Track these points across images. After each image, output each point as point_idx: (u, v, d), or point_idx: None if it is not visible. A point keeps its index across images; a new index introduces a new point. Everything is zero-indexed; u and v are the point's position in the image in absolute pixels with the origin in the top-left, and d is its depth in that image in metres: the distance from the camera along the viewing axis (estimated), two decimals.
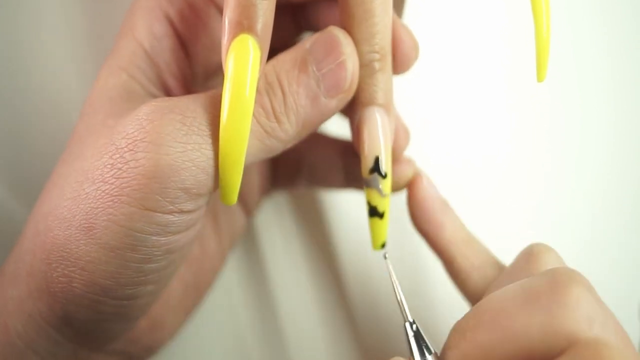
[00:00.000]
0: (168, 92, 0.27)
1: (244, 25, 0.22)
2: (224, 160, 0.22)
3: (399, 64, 0.27)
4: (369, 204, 0.27)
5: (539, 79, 0.26)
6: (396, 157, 0.28)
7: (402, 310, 0.24)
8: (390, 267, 0.26)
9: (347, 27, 0.25)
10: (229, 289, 0.33)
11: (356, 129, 0.26)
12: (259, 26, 0.22)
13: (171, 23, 0.26)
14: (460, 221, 0.29)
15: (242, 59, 0.22)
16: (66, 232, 0.23)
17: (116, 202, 0.22)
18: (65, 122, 0.28)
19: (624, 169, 0.37)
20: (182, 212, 0.22)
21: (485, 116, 0.37)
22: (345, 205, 0.35)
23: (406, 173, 0.29)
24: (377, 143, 0.26)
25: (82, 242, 0.22)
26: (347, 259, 0.34)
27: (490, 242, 0.35)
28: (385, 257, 0.26)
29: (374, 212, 0.27)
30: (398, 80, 0.34)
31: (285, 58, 0.25)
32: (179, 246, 0.23)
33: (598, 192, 0.37)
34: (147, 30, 0.26)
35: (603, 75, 0.38)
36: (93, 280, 0.23)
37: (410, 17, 0.31)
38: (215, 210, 0.30)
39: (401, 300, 0.25)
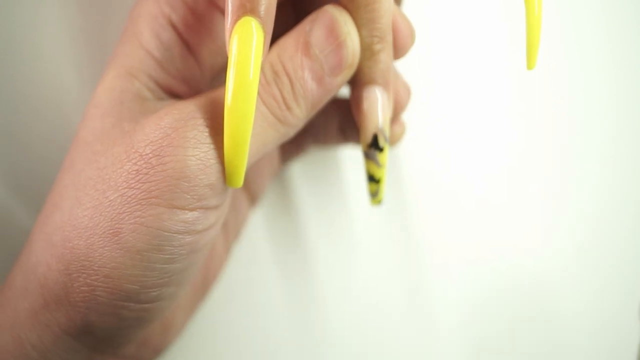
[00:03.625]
0: (178, 97, 0.27)
1: (246, 7, 0.22)
2: (229, 142, 0.22)
3: (395, 51, 0.28)
4: (367, 172, 0.28)
5: (529, 66, 0.26)
6: (396, 118, 0.29)
7: None
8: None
9: (347, 11, 0.25)
10: (231, 284, 0.33)
11: (356, 105, 0.27)
12: (262, 8, 0.22)
13: (176, 29, 0.26)
14: None
15: (246, 42, 0.22)
16: (88, 241, 0.22)
17: (144, 205, 0.22)
18: (66, 124, 0.28)
19: (625, 169, 0.39)
20: (207, 208, 0.23)
21: (483, 115, 0.37)
22: (340, 204, 0.35)
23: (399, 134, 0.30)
24: (376, 120, 0.27)
25: (106, 249, 0.22)
26: (352, 256, 0.34)
27: (489, 242, 0.36)
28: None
29: (372, 179, 0.29)
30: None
31: (288, 43, 0.25)
32: (201, 245, 0.24)
33: (599, 192, 0.38)
34: (154, 38, 0.25)
35: (605, 70, 0.38)
36: (118, 287, 0.22)
37: (410, 6, 0.31)
38: None
39: None
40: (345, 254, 0.35)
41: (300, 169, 0.35)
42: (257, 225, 0.34)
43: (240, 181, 0.23)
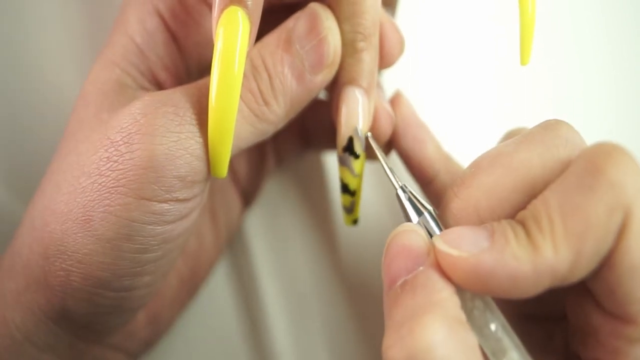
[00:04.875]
0: (160, 86, 0.27)
1: None
2: (213, 131, 0.22)
3: (383, 59, 0.27)
4: (341, 180, 0.28)
5: (523, 62, 0.26)
6: (380, 141, 0.28)
7: (390, 180, 0.25)
8: (374, 143, 0.26)
9: (331, 6, 0.26)
10: (223, 283, 0.33)
11: (335, 107, 0.27)
12: None
13: (162, 18, 0.26)
14: (438, 140, 0.29)
15: (232, 30, 0.22)
16: (63, 226, 0.23)
17: (113, 193, 0.22)
18: (66, 124, 0.29)
19: None
20: (177, 200, 0.23)
21: (481, 116, 0.37)
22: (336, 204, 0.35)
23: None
24: (354, 122, 0.26)
25: (79, 235, 0.23)
26: (341, 254, 0.34)
27: None
28: (368, 137, 0.27)
29: (345, 189, 0.28)
30: (390, 75, 0.34)
31: (269, 40, 0.25)
32: (175, 236, 0.24)
33: None
34: (139, 24, 0.26)
35: (603, 67, 0.38)
36: (90, 273, 0.23)
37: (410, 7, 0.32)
38: (212, 204, 0.30)
39: (387, 171, 0.25)
40: (338, 249, 0.34)
41: (296, 169, 0.35)
42: (252, 224, 0.34)
43: (224, 171, 0.23)
